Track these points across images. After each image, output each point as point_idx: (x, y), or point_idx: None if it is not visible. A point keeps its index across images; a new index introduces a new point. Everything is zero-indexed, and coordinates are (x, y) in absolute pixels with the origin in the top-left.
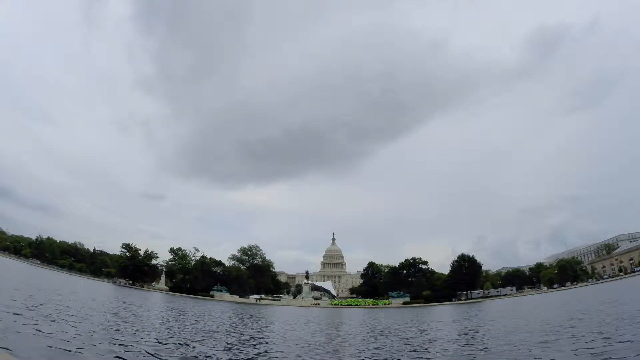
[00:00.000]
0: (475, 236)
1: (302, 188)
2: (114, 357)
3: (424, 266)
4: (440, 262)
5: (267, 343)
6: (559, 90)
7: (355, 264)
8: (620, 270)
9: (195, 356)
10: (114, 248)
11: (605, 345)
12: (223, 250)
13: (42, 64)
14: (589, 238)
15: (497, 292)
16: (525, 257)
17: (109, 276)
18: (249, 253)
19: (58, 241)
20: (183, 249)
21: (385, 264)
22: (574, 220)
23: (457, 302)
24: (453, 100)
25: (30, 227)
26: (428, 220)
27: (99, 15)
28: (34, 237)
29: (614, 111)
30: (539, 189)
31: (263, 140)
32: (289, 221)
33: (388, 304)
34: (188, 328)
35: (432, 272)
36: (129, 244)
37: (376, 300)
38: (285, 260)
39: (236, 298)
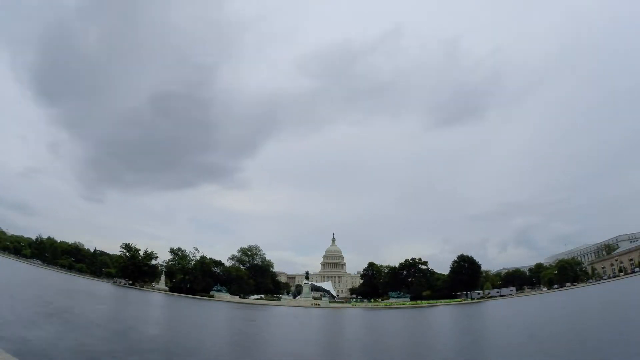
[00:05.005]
0: (440, 238)
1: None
2: None
3: (423, 266)
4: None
5: None
6: None
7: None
8: (620, 271)
9: None
10: (112, 248)
11: None
12: (217, 252)
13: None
14: (559, 241)
15: (497, 292)
16: (495, 262)
17: (109, 276)
18: (249, 253)
19: (58, 241)
20: (183, 249)
21: (385, 264)
22: (544, 223)
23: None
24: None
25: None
26: (390, 223)
27: None
28: (34, 237)
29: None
30: (505, 191)
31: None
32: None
33: (389, 305)
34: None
35: (432, 273)
36: (129, 244)
37: (376, 301)
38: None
39: (236, 298)
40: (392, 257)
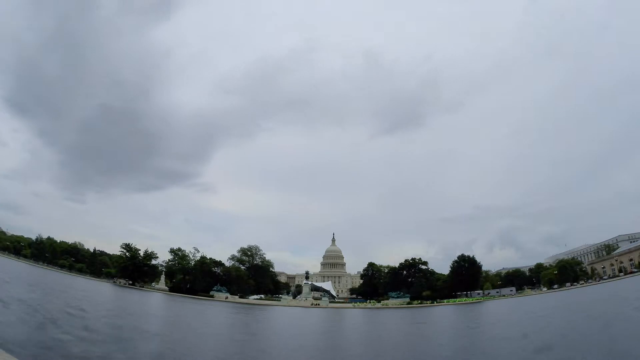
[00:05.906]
0: (425, 240)
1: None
2: None
3: (423, 267)
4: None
5: None
6: None
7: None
8: (620, 271)
9: None
10: (112, 248)
11: None
12: (215, 252)
13: None
14: (547, 242)
15: (497, 292)
16: (483, 263)
17: (109, 276)
18: (249, 253)
19: (58, 241)
20: (183, 249)
21: (384, 264)
22: (530, 224)
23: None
24: None
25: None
26: (381, 225)
27: None
28: (33, 237)
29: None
30: (491, 193)
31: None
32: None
33: (392, 305)
34: None
35: (432, 273)
36: (129, 244)
37: (376, 301)
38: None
39: (235, 298)
40: (384, 258)
